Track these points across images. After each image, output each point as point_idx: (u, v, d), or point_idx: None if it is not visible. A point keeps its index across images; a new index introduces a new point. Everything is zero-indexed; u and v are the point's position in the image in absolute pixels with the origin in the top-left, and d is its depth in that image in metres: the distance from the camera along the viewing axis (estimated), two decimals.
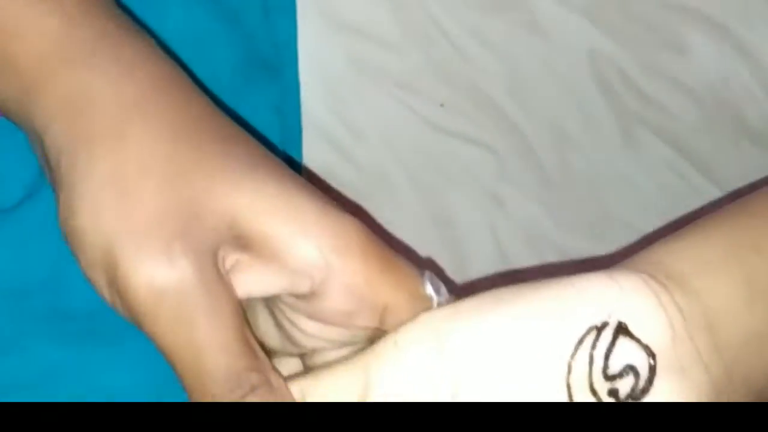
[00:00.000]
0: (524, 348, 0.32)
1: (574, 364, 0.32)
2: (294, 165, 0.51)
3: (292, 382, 0.34)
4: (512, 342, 0.32)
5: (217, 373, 0.33)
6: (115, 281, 0.33)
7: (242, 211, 0.34)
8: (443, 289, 0.35)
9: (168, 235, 0.33)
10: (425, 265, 0.36)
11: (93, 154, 0.33)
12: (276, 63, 0.51)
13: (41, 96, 0.34)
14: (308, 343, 0.35)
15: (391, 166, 0.65)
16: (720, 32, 0.65)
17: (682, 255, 0.34)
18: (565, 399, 0.31)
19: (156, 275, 0.32)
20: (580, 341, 0.32)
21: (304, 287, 0.34)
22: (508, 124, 0.66)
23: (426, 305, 0.34)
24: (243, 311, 0.34)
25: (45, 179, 0.41)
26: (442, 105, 0.65)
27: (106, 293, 0.33)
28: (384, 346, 0.34)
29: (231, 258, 0.34)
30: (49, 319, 0.40)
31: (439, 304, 0.34)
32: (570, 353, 0.32)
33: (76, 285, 0.40)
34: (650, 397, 0.31)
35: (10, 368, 0.40)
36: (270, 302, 0.35)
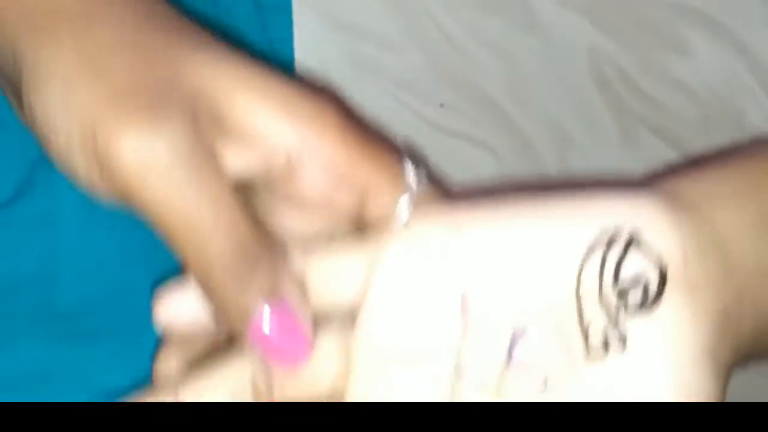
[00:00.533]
0: (538, 251, 0.32)
1: (584, 273, 0.32)
2: None
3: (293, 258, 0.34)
4: (528, 244, 0.32)
5: (218, 245, 0.32)
6: (96, 158, 0.31)
7: (217, 91, 0.33)
8: (423, 176, 0.35)
9: (148, 103, 0.31)
10: (405, 151, 0.35)
11: (59, 37, 0.32)
12: (272, 62, 0.51)
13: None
14: (290, 239, 0.35)
15: None
16: (720, 32, 0.65)
17: (696, 186, 0.34)
18: (573, 306, 0.32)
19: (141, 143, 0.31)
20: (592, 249, 0.32)
21: (280, 167, 0.33)
22: (507, 123, 0.66)
23: (407, 190, 0.34)
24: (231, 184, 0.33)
25: (35, 177, 0.41)
26: (441, 105, 0.65)
27: (88, 176, 0.32)
28: (395, 229, 0.34)
29: (208, 139, 0.33)
30: (40, 317, 0.40)
31: (419, 190, 0.34)
32: (581, 261, 0.32)
33: (67, 283, 0.40)
34: (658, 312, 0.31)
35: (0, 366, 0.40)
36: (248, 198, 0.35)
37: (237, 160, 0.33)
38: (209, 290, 0.32)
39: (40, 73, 0.32)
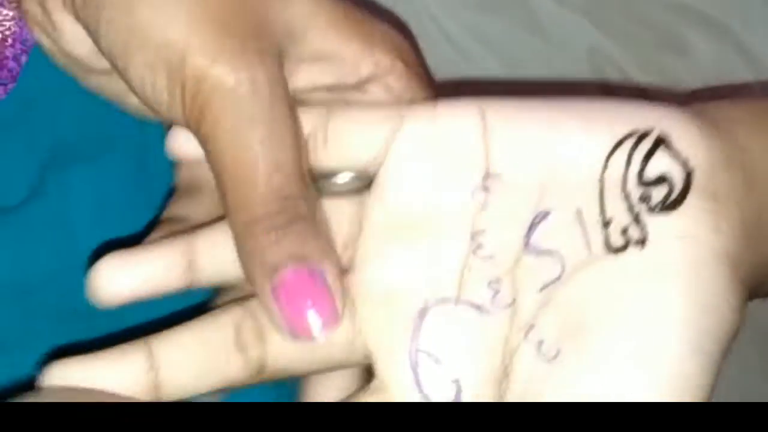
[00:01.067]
0: (566, 139, 0.32)
1: (610, 165, 0.32)
2: None
3: (315, 109, 0.34)
4: (555, 131, 0.32)
5: (265, 191, 0.32)
6: (180, 79, 0.32)
7: (300, 23, 0.34)
8: None
9: (241, 33, 0.32)
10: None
11: None
12: None
13: None
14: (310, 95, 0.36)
15: None
16: (720, 32, 0.65)
17: (722, 108, 0.34)
18: (595, 196, 0.32)
19: (228, 73, 0.32)
20: (620, 142, 0.32)
21: (350, 84, 0.35)
22: None
23: None
24: (303, 134, 0.34)
25: (48, 178, 0.41)
26: None
27: (164, 94, 0.32)
28: (421, 105, 0.34)
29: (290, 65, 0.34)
30: (54, 317, 0.41)
31: None
32: (607, 152, 0.32)
33: (82, 283, 0.40)
34: (680, 213, 0.31)
35: (14, 366, 0.40)
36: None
37: (311, 77, 0.35)
38: (239, 233, 0.32)
39: None
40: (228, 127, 0.32)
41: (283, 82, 0.33)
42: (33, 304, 0.40)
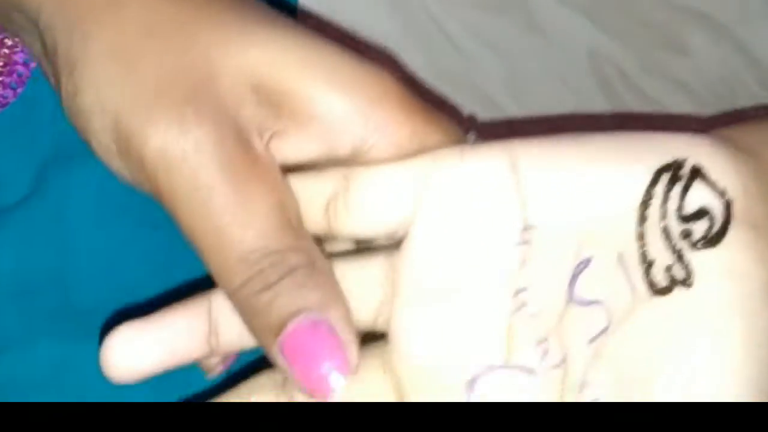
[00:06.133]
0: (599, 182, 0.30)
1: (647, 203, 0.30)
2: None
3: (334, 170, 0.31)
4: (588, 175, 0.30)
5: (241, 254, 0.30)
6: (129, 155, 0.30)
7: (265, 67, 0.30)
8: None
9: (178, 100, 0.30)
10: (467, 122, 0.34)
11: (89, 27, 0.31)
12: None
13: None
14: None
15: None
16: (720, 32, 0.65)
17: (750, 133, 0.33)
18: (635, 241, 0.30)
19: (168, 145, 0.29)
20: (656, 178, 0.30)
21: (344, 147, 0.31)
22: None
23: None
24: (288, 189, 0.31)
25: (48, 176, 0.41)
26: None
27: (124, 173, 0.31)
28: (446, 152, 0.31)
29: (263, 126, 0.31)
30: (55, 316, 0.40)
31: None
32: (643, 191, 0.30)
33: (83, 281, 0.40)
34: (724, 247, 0.30)
35: (15, 365, 0.40)
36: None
37: (296, 144, 0.31)
38: (233, 303, 0.30)
39: (76, 68, 0.31)
40: (182, 196, 0.30)
41: (236, 140, 0.30)
42: (33, 303, 0.40)
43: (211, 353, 0.32)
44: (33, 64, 0.40)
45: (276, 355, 0.30)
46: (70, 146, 0.42)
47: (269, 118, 0.31)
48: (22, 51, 0.40)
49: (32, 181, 0.41)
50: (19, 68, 0.40)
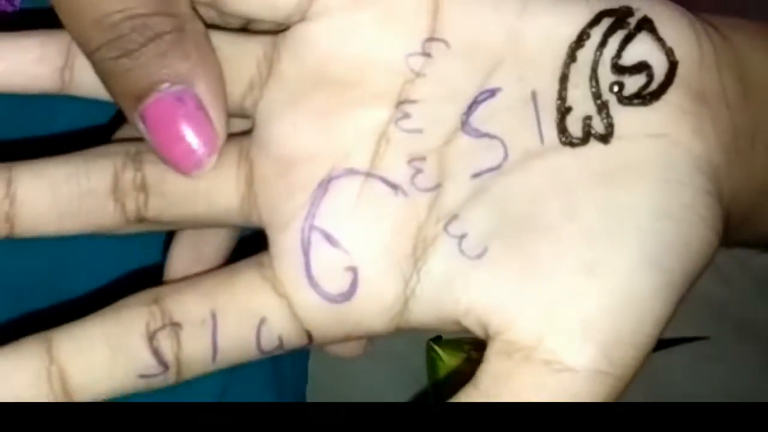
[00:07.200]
0: (531, 9, 0.28)
1: (581, 42, 0.27)
2: None
3: None
4: (516, 5, 0.28)
5: (100, 14, 0.27)
6: None
7: None
8: None
9: None
10: None
11: None
12: None
13: None
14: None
15: None
16: None
17: (727, 20, 0.30)
18: (557, 77, 0.27)
19: None
20: (597, 18, 0.27)
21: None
22: None
23: None
24: None
25: None
26: None
27: None
28: None
29: None
30: (53, 316, 0.41)
31: None
32: (580, 27, 0.27)
33: (79, 282, 0.40)
34: (656, 108, 0.27)
35: None
36: None
37: None
38: (92, 65, 0.28)
39: None
40: None
41: None
42: (31, 303, 0.40)
43: (61, 90, 0.30)
44: None
45: (136, 121, 0.28)
46: (70, 145, 0.42)
47: None
48: None
49: None
50: None
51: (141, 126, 0.28)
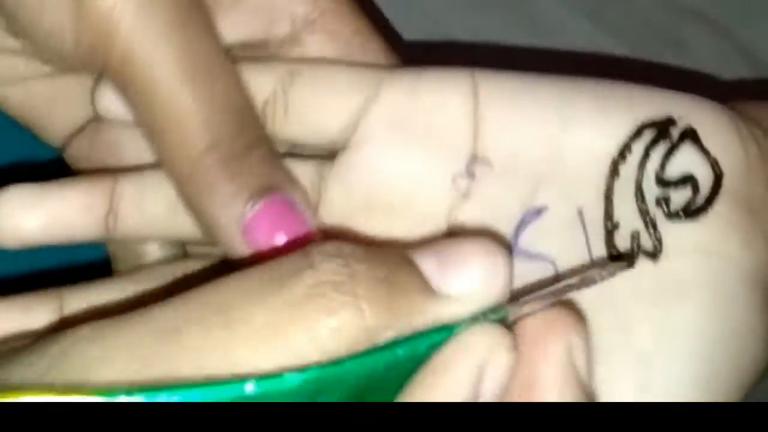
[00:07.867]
0: (571, 125, 0.27)
1: (623, 159, 0.27)
2: None
3: (279, 64, 0.28)
4: (559, 115, 0.27)
5: (210, 117, 0.26)
6: (74, 8, 0.27)
7: None
8: None
9: None
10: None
11: None
12: None
13: None
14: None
15: None
16: (720, 32, 0.65)
17: (762, 108, 0.29)
18: (601, 199, 0.27)
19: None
20: (639, 131, 0.27)
21: (283, 24, 0.29)
22: None
23: None
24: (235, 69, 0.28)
25: None
26: None
27: (61, 31, 0.27)
28: (402, 69, 0.29)
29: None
30: None
31: None
32: (623, 140, 0.27)
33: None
34: (704, 222, 0.26)
35: None
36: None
37: (234, 27, 0.29)
38: (186, 173, 0.27)
39: None
40: (140, 54, 0.26)
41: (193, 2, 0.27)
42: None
43: (107, 235, 0.29)
44: None
45: (234, 235, 0.27)
46: None
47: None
48: None
49: None
50: None
51: (238, 240, 0.27)
